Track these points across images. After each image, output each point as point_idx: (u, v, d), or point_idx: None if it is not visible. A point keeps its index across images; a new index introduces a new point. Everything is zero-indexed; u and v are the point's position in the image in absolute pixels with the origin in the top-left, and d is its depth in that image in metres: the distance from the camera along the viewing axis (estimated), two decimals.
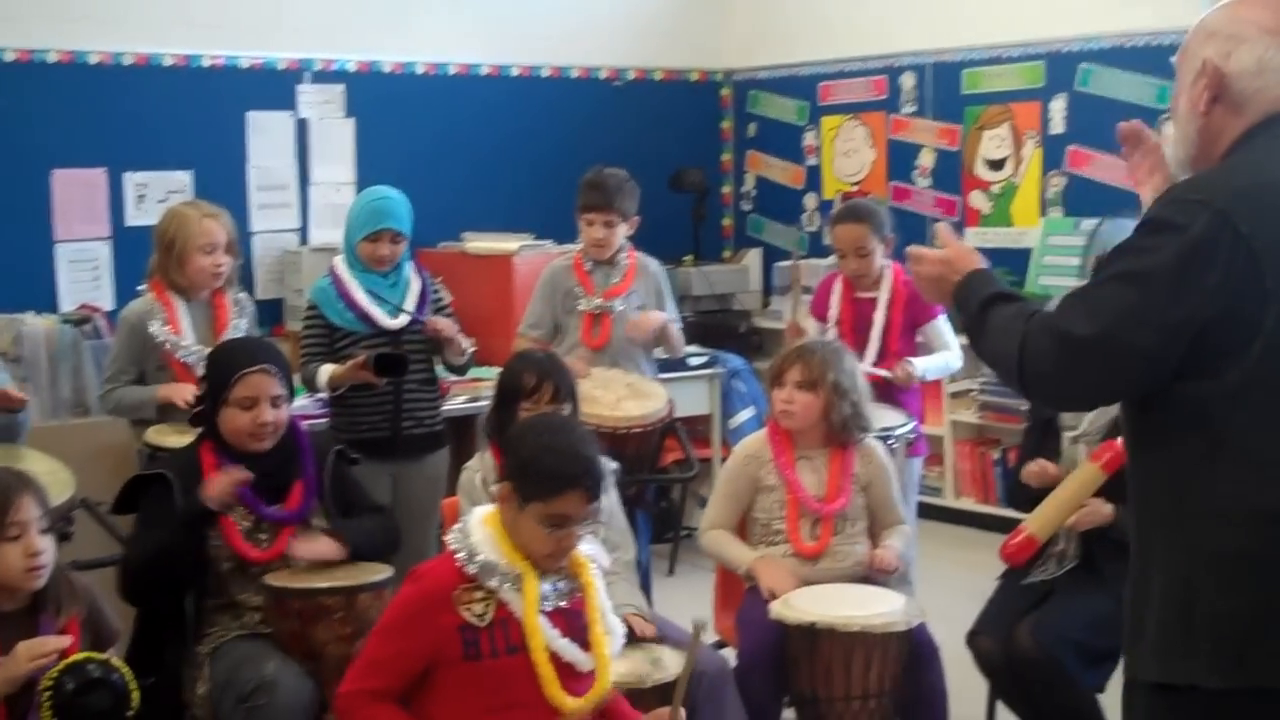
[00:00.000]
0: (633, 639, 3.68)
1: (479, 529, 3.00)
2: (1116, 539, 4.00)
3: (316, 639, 3.50)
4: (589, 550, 3.11)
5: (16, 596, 3.00)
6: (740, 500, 4.20)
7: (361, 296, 4.87)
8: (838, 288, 5.18)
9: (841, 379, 4.12)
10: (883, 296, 5.10)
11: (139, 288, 4.86)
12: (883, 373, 4.98)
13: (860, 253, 5.06)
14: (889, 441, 4.59)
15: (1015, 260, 7.19)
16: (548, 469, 2.91)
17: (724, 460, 5.92)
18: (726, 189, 8.81)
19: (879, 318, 5.06)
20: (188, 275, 4.77)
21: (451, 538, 3.02)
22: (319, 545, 3.69)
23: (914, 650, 3.81)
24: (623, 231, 5.28)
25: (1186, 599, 2.29)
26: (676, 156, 8.21)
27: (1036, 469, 4.11)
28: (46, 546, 2.98)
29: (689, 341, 6.72)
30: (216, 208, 4.92)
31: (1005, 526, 4.80)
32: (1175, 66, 2.51)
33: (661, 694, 3.50)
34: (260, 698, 3.38)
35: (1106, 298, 2.27)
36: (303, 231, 7.33)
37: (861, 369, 4.39)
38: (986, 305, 2.45)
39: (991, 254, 7.27)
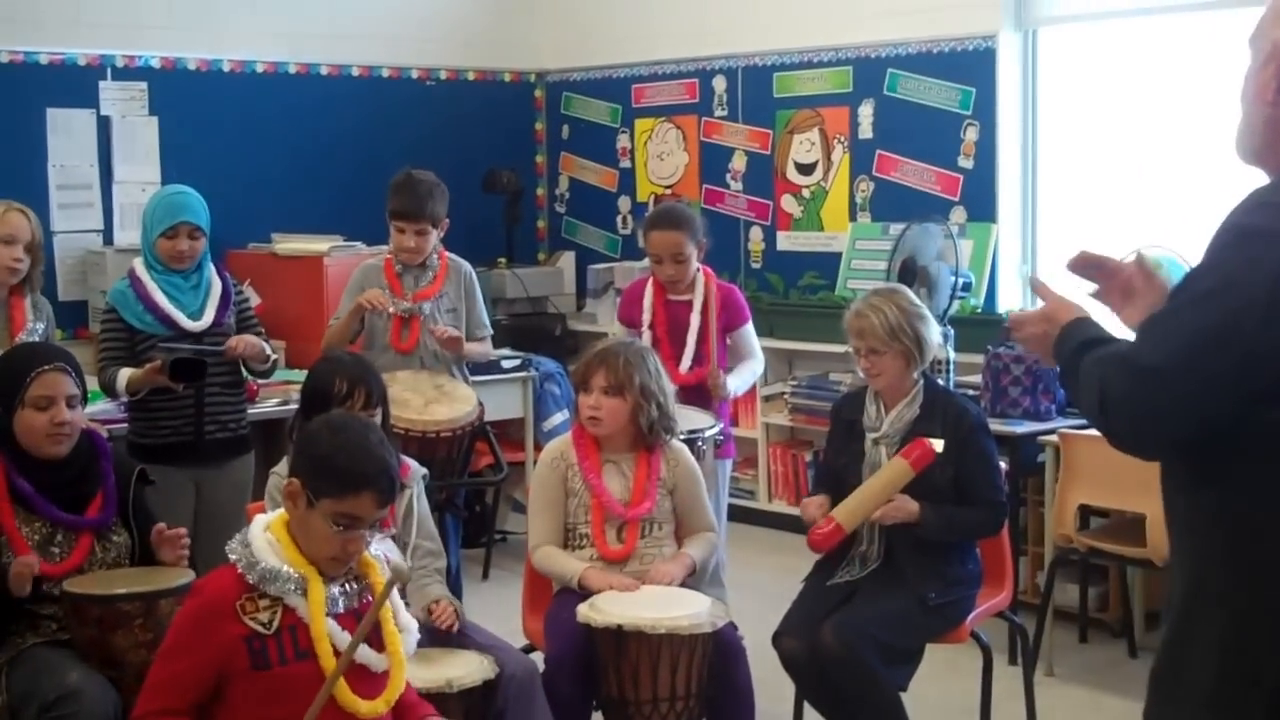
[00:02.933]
0: (438, 639, 3.67)
1: (260, 536, 2.96)
2: (918, 538, 4.11)
3: (116, 646, 3.43)
4: (378, 550, 3.08)
5: None
6: (558, 507, 4.16)
7: (161, 298, 4.79)
8: (649, 291, 5.20)
9: (648, 381, 4.13)
10: (697, 301, 5.13)
11: None
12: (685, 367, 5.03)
13: (677, 259, 5.09)
14: (697, 443, 4.63)
15: (826, 264, 7.31)
16: (342, 468, 2.88)
17: (536, 464, 5.94)
18: (540, 191, 8.80)
19: (694, 321, 5.08)
20: None
21: (230, 547, 2.98)
22: None
23: (721, 650, 3.84)
24: (434, 238, 5.24)
25: (1254, 652, 2.06)
26: (489, 158, 8.18)
27: (807, 515, 4.19)
28: None
29: (503, 344, 6.73)
30: (24, 206, 4.81)
31: None
32: (1248, 46, 2.21)
33: (463, 699, 3.50)
34: (65, 706, 3.31)
35: (1181, 321, 2.03)
36: (106, 232, 7.15)
37: (671, 380, 4.39)
38: (1077, 354, 2.20)
39: (802, 258, 7.43)
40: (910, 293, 4.40)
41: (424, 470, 4.12)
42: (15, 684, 3.46)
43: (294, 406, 5.84)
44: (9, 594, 3.48)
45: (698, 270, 5.16)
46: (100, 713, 3.34)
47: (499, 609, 4.07)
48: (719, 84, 7.85)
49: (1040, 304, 2.41)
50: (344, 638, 2.88)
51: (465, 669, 3.61)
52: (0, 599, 3.50)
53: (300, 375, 5.79)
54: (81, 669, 3.41)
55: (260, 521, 2.99)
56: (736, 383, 5.14)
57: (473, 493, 6.60)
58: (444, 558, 4.05)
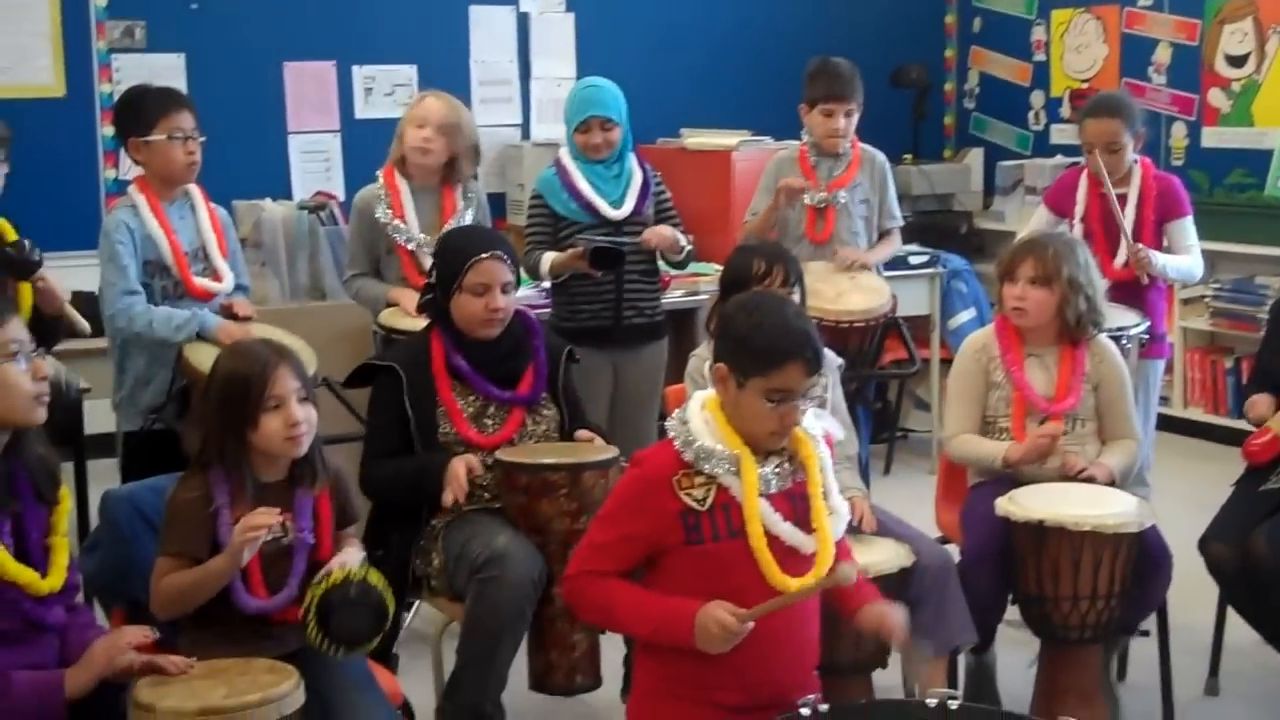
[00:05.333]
0: (853, 530, 3.67)
1: (697, 414, 2.98)
2: None
3: (542, 513, 3.56)
4: (813, 424, 3.07)
5: (277, 467, 3.08)
6: (977, 399, 4.07)
7: (585, 186, 4.91)
8: (1083, 183, 5.00)
9: (1076, 274, 3.99)
10: (1132, 193, 4.91)
11: (376, 173, 4.94)
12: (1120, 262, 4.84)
13: (1111, 148, 4.86)
14: (1121, 341, 4.45)
15: (1255, 161, 6.92)
16: (766, 343, 2.88)
17: (944, 362, 5.86)
18: (949, 86, 8.61)
19: (1129, 214, 4.87)
20: (401, 149, 4.82)
21: (670, 424, 3.02)
22: None
23: (1144, 553, 3.72)
24: (855, 122, 5.21)
25: None
26: (897, 52, 8.04)
27: (1255, 413, 3.96)
28: (305, 416, 3.06)
29: (908, 240, 6.62)
30: (449, 96, 4.92)
31: (1235, 439, 4.66)
32: None
33: (883, 584, 3.48)
34: (492, 569, 3.46)
35: None
36: (524, 126, 7.39)
37: (1103, 275, 4.23)
38: None
39: (1229, 155, 7.04)
40: None
41: (839, 360, 4.11)
42: (451, 547, 3.64)
43: (702, 298, 6.00)
44: (439, 478, 3.65)
45: (1134, 161, 4.93)
46: (525, 575, 3.47)
47: (902, 505, 4.05)
48: None
49: None
50: (775, 518, 2.89)
51: (881, 555, 3.59)
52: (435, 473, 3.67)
53: (708, 268, 5.91)
54: (510, 533, 3.55)
55: (697, 399, 3.02)
56: (1166, 260, 4.87)
57: (879, 387, 6.57)
58: (856, 445, 4.05)
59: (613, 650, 3.72)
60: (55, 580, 2.75)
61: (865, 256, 5.23)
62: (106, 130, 6.45)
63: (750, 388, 2.89)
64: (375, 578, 3.00)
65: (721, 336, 3.01)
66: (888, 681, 3.76)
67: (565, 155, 4.99)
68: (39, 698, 2.63)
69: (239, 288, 4.53)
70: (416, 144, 4.78)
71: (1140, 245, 4.80)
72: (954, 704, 2.60)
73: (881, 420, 6.82)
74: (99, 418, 4.88)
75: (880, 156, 5.37)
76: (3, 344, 2.69)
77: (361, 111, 6.99)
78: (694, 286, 6.12)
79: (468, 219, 4.88)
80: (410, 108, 4.90)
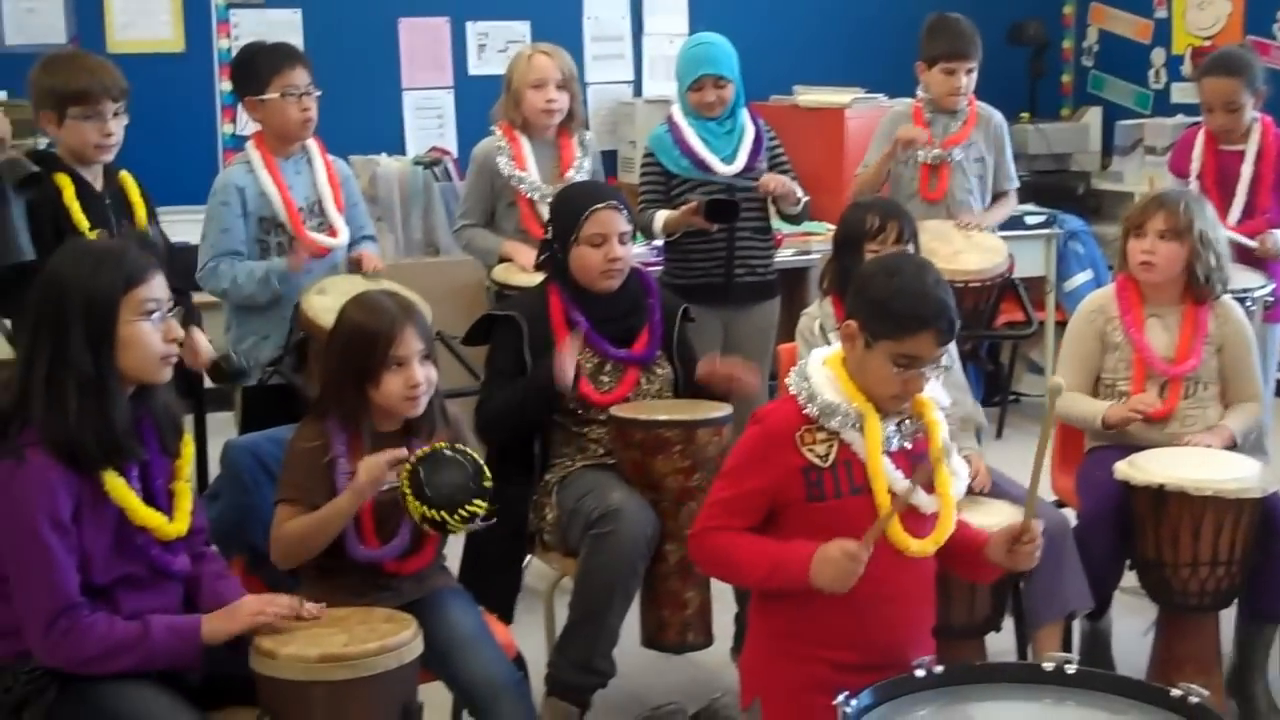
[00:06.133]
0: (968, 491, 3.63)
1: (818, 370, 2.96)
2: None
3: (656, 470, 3.57)
4: (932, 391, 3.04)
5: (395, 418, 3.12)
6: (1090, 362, 4.02)
7: (696, 143, 4.89)
8: (1200, 141, 4.91)
9: (1206, 229, 3.92)
10: (1250, 150, 4.83)
11: (491, 128, 4.96)
12: (1246, 241, 4.74)
13: (1230, 107, 4.79)
14: (1246, 303, 4.36)
15: None
16: (902, 309, 2.85)
17: (1059, 324, 5.77)
18: (1067, 43, 8.45)
19: (1246, 172, 4.79)
20: (523, 112, 4.84)
21: (790, 380, 3.00)
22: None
23: (1266, 518, 3.64)
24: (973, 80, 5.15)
25: None
26: (1015, 8, 7.91)
27: None
28: (426, 375, 3.08)
29: (1024, 200, 6.53)
30: (552, 46, 4.98)
31: None
32: None
33: None
34: (606, 524, 3.48)
35: None
36: (636, 83, 7.37)
37: (1225, 230, 4.16)
38: None
39: None
40: None
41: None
42: (564, 501, 3.66)
43: (814, 257, 5.96)
44: (552, 387, 3.66)
45: (1254, 119, 4.83)
46: (639, 531, 3.49)
47: (1015, 470, 3.99)
48: None
49: None
50: (897, 475, 2.88)
51: (997, 518, 3.52)
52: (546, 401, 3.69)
53: (820, 227, 5.86)
54: (623, 489, 3.56)
55: (817, 355, 3.01)
56: None
57: (992, 349, 6.49)
58: (968, 404, 4.00)
59: (724, 610, 3.73)
60: (181, 524, 2.80)
61: (981, 219, 5.17)
62: (224, 85, 6.53)
63: (879, 349, 2.86)
64: (468, 449, 3.04)
65: (856, 294, 2.98)
66: (1001, 646, 3.73)
67: (677, 112, 4.97)
68: (177, 642, 2.69)
69: (366, 238, 4.57)
70: (541, 106, 4.83)
71: (1271, 232, 4.70)
72: (1070, 668, 2.57)
73: (994, 383, 6.74)
74: None
75: (997, 116, 5.30)
76: (141, 301, 2.73)
77: (475, 68, 7.02)
78: (805, 245, 6.08)
79: (586, 167, 4.92)
80: (516, 68, 4.88)
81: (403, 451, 3.00)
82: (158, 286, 2.77)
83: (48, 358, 2.67)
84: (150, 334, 2.74)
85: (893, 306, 2.85)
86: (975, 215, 5.16)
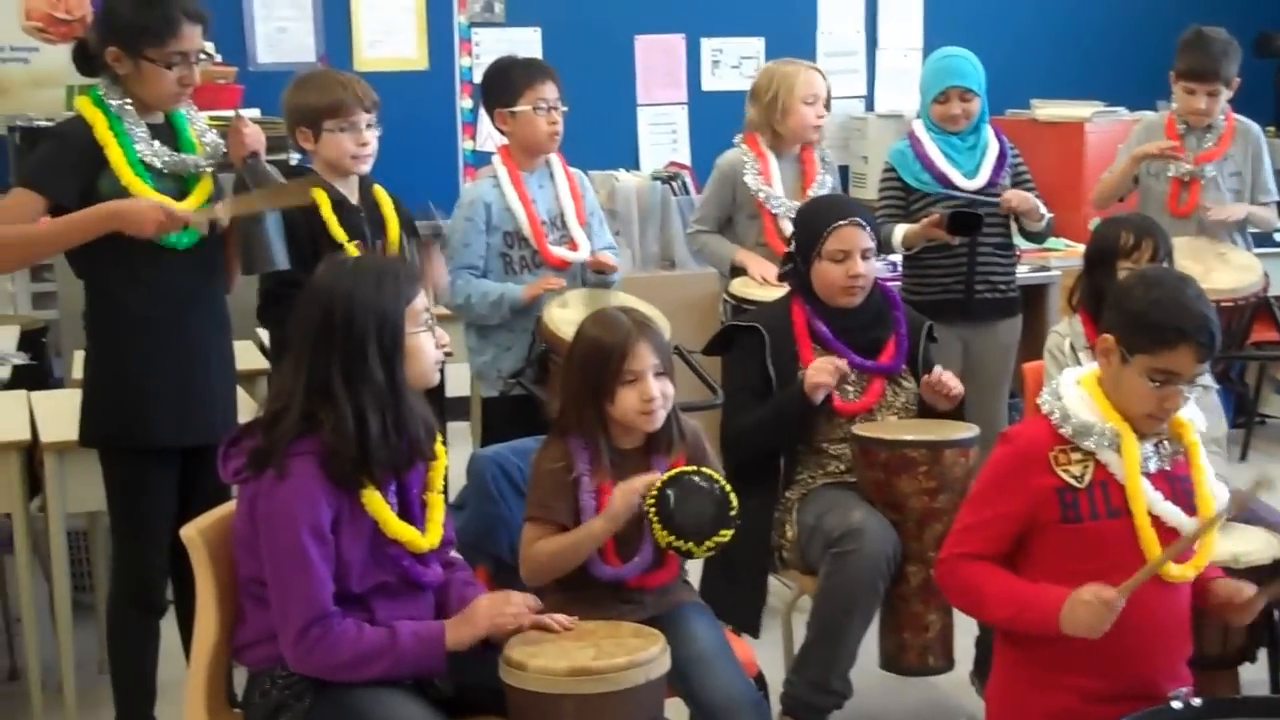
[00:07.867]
0: None
1: (1072, 389, 2.90)
2: None
3: (900, 490, 3.52)
4: (1189, 413, 2.95)
5: (635, 434, 3.13)
6: None
7: (938, 157, 4.84)
8: None
9: None
10: None
11: (735, 138, 4.96)
12: None
13: None
14: None
15: None
16: (1161, 321, 2.77)
17: None
18: None
19: None
20: (789, 126, 4.84)
21: (1043, 399, 2.94)
22: None
23: None
24: (1224, 98, 4.97)
25: None
26: (1262, 18, 7.63)
27: None
28: (662, 390, 3.08)
29: None
30: (807, 64, 4.98)
31: None
32: None
33: (1254, 576, 3.31)
34: (848, 543, 3.45)
35: None
36: (869, 99, 7.31)
37: None
38: None
39: None
40: None
41: None
42: (805, 519, 3.64)
43: (1054, 274, 5.84)
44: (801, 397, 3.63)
45: None
46: (880, 551, 3.45)
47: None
48: None
49: None
50: (1157, 497, 2.80)
51: (1254, 545, 3.42)
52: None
53: (1059, 244, 5.74)
54: (865, 508, 3.53)
55: (1070, 375, 2.94)
56: None
57: (1242, 368, 6.27)
58: (1221, 426, 3.89)
59: (964, 633, 3.66)
60: (433, 537, 2.85)
61: (1234, 210, 4.97)
62: (465, 103, 6.67)
63: (1135, 364, 2.79)
64: (715, 473, 3.04)
65: (1114, 306, 2.91)
66: (1255, 676, 3.59)
67: (919, 126, 4.93)
68: (422, 648, 2.73)
69: (607, 249, 4.61)
70: (812, 121, 4.83)
71: None
72: None
73: (1240, 404, 6.52)
74: (453, 381, 5.05)
75: (1255, 129, 5.12)
76: (418, 313, 2.82)
77: (709, 84, 7.05)
78: (1043, 262, 5.96)
79: (828, 183, 4.91)
80: (783, 83, 4.83)
81: (655, 476, 3.01)
82: (426, 299, 2.86)
83: (341, 373, 2.73)
84: (428, 343, 2.83)
85: (1151, 318, 2.77)
86: (1229, 207, 4.97)
